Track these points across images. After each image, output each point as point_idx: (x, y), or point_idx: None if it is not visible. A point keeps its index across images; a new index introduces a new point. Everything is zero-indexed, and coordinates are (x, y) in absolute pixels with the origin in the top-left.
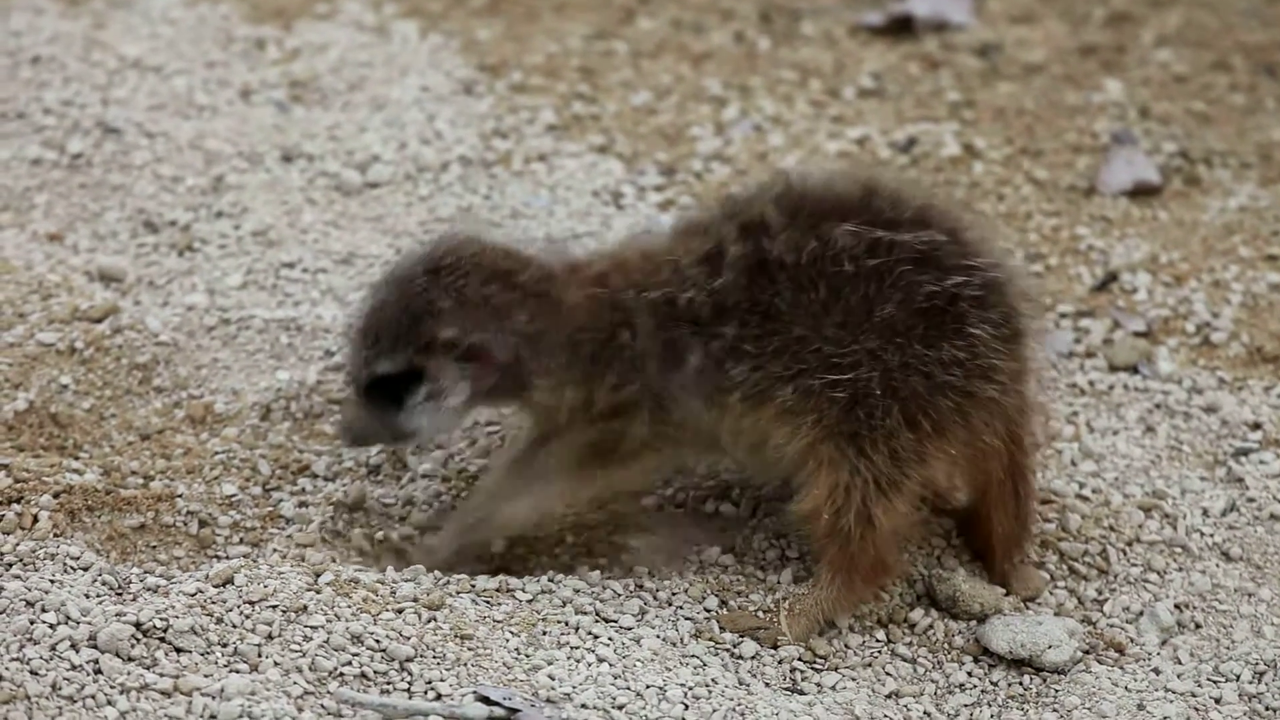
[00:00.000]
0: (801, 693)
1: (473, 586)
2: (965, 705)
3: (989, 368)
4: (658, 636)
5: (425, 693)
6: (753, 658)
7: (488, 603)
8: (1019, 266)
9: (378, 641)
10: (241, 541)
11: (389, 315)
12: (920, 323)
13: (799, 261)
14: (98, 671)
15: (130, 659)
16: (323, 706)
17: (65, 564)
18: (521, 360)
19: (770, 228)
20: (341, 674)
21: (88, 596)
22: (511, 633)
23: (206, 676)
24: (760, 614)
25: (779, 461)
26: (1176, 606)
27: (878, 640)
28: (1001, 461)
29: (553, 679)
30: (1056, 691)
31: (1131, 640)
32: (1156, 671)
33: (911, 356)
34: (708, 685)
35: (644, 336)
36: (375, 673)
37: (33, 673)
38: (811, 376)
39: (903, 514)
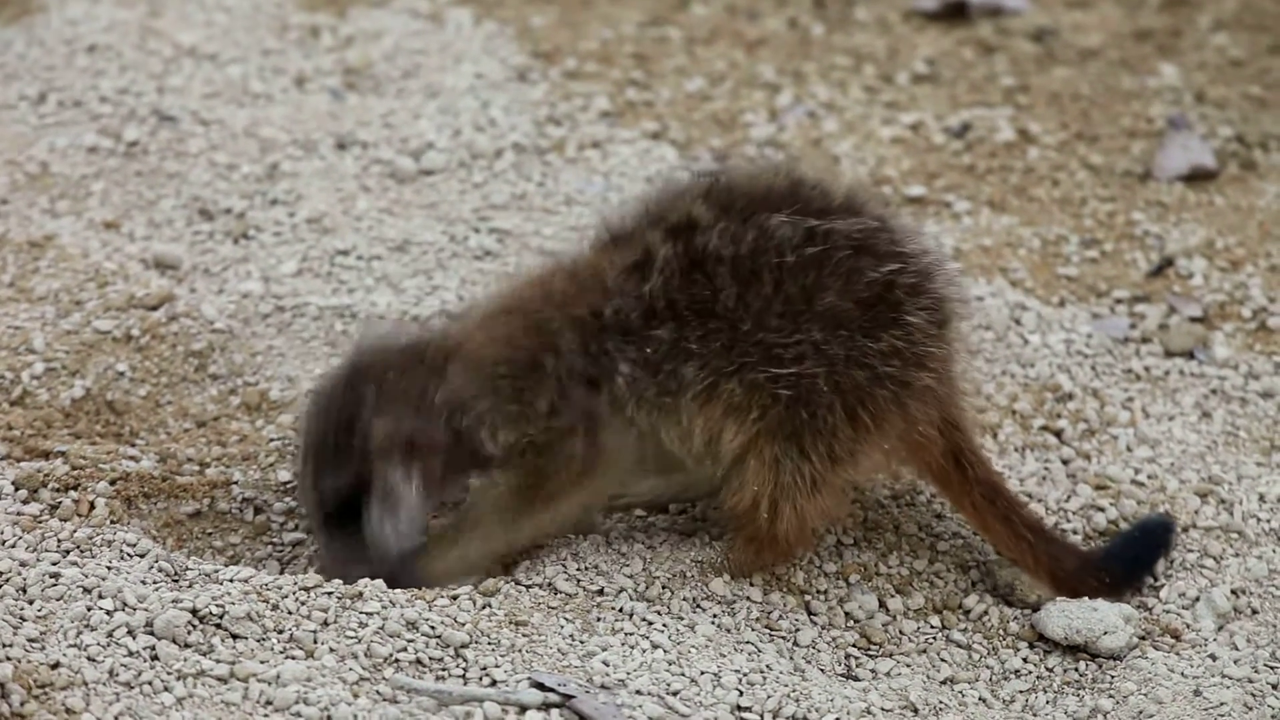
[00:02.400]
0: (856, 679)
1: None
2: (1021, 691)
3: (925, 355)
4: (712, 623)
5: (480, 679)
6: (809, 645)
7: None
8: (944, 253)
9: (433, 628)
10: (296, 528)
11: (324, 441)
12: (860, 312)
13: (738, 254)
14: (154, 658)
15: (187, 645)
16: (378, 693)
17: (122, 550)
18: (462, 434)
19: (700, 224)
20: (397, 660)
21: (144, 583)
22: (566, 619)
23: (263, 663)
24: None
25: (726, 458)
26: (1233, 592)
27: (932, 626)
28: (938, 451)
29: (607, 665)
30: (1112, 678)
31: (1188, 626)
32: (1213, 657)
33: (854, 349)
34: (762, 672)
35: (569, 356)
36: (430, 659)
37: (90, 659)
38: (756, 370)
39: (827, 507)
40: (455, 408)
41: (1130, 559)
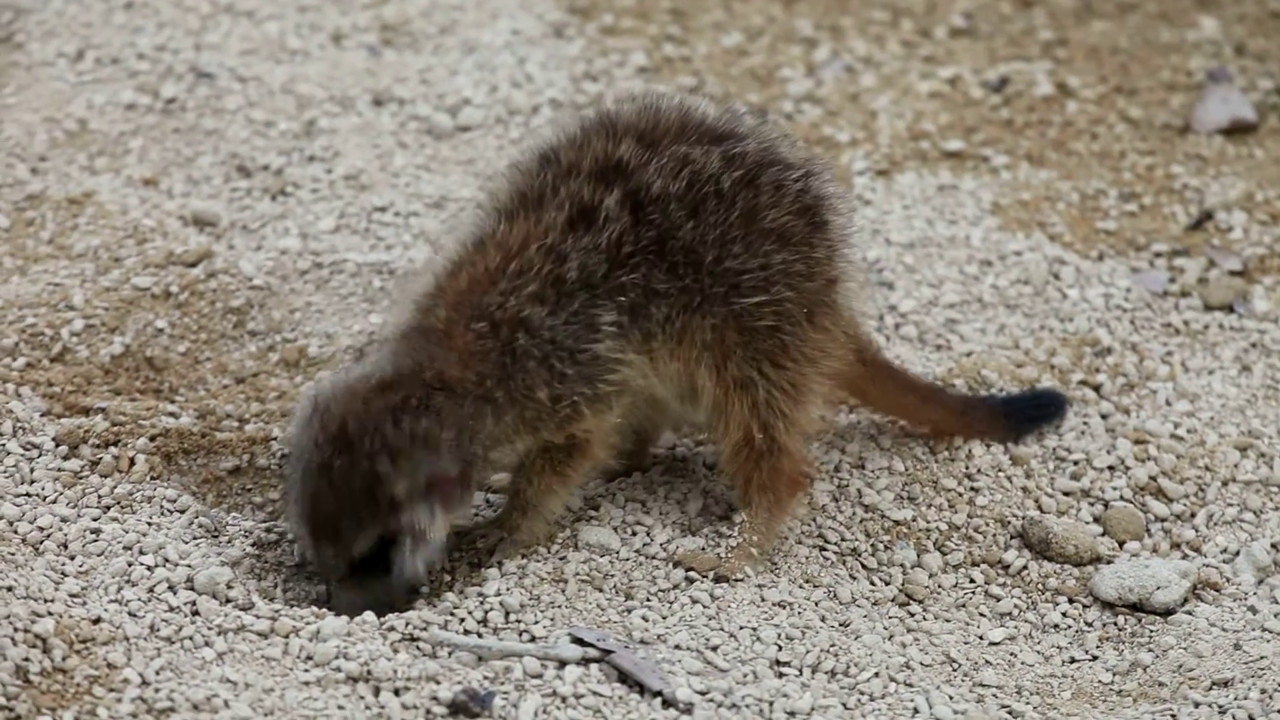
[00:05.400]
0: (895, 634)
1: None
2: (1060, 646)
3: (844, 252)
4: (751, 578)
5: (520, 634)
6: (848, 600)
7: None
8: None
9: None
10: None
11: (332, 506)
12: (798, 222)
13: (680, 188)
14: (195, 613)
15: (227, 600)
16: (418, 648)
17: (162, 506)
18: (471, 457)
19: (629, 164)
20: None
21: (184, 540)
22: (605, 574)
23: (303, 618)
24: (718, 555)
25: (704, 398)
26: (1273, 546)
27: (972, 582)
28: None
29: (646, 620)
30: (1152, 632)
31: (1228, 580)
32: (1253, 610)
33: (806, 260)
34: (801, 629)
35: (546, 329)
36: (470, 613)
37: (131, 614)
38: (726, 302)
39: (815, 416)
40: (460, 438)
41: (1022, 409)
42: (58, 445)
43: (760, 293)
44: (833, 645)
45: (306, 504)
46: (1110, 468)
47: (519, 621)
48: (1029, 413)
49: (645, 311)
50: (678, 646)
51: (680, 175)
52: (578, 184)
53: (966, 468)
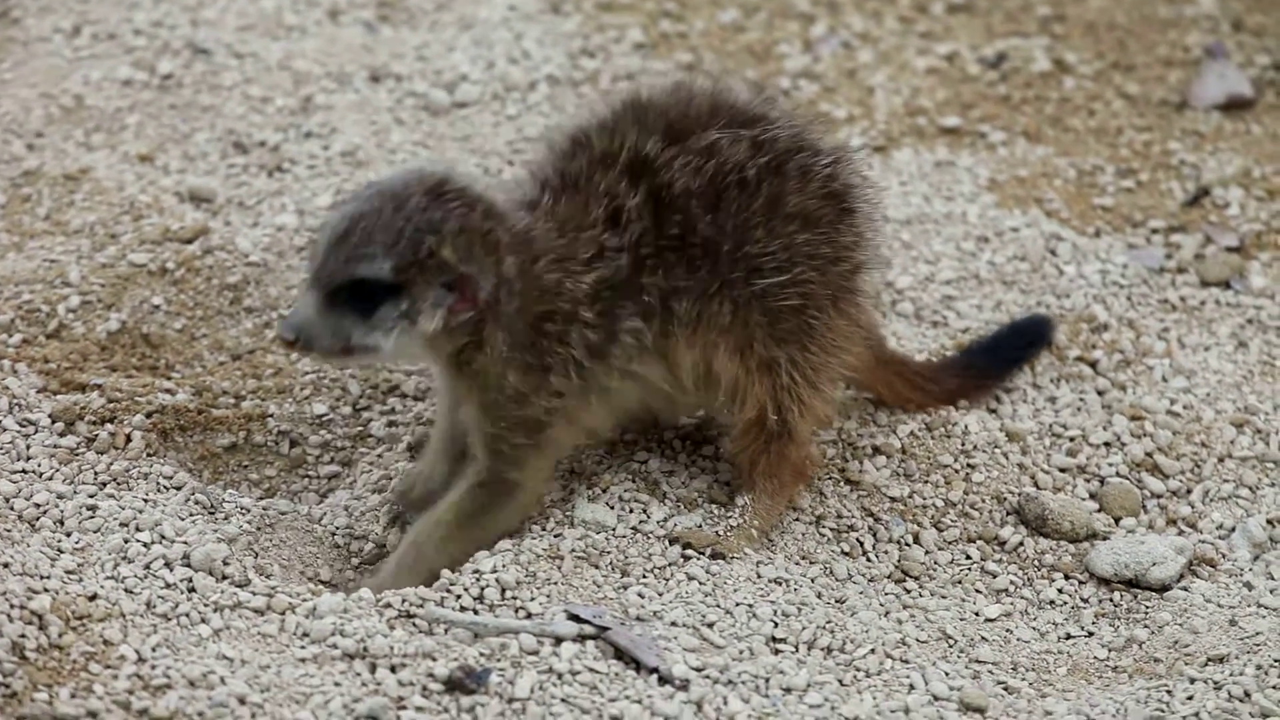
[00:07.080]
0: (891, 611)
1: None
2: (1056, 622)
3: (870, 240)
4: (748, 555)
5: (516, 611)
6: (845, 577)
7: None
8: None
9: (470, 560)
10: (332, 461)
11: (381, 223)
12: (825, 207)
13: (703, 183)
14: (191, 590)
15: (224, 577)
16: (414, 625)
17: (159, 483)
18: (492, 308)
19: (655, 160)
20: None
21: (180, 516)
22: (602, 552)
23: (299, 595)
24: (717, 533)
25: (723, 380)
26: (1269, 522)
27: (968, 558)
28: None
29: (642, 598)
30: (1148, 608)
31: (1224, 556)
32: (1249, 586)
33: (831, 244)
34: (798, 606)
35: (589, 331)
36: (466, 590)
37: (127, 591)
38: (745, 286)
39: (830, 401)
40: (507, 291)
41: (1000, 352)
42: (54, 422)
43: (782, 273)
44: (829, 622)
45: (354, 207)
46: (1106, 444)
47: (515, 598)
48: (1018, 351)
49: (666, 310)
50: (674, 623)
51: (704, 170)
52: (609, 177)
53: (963, 444)
